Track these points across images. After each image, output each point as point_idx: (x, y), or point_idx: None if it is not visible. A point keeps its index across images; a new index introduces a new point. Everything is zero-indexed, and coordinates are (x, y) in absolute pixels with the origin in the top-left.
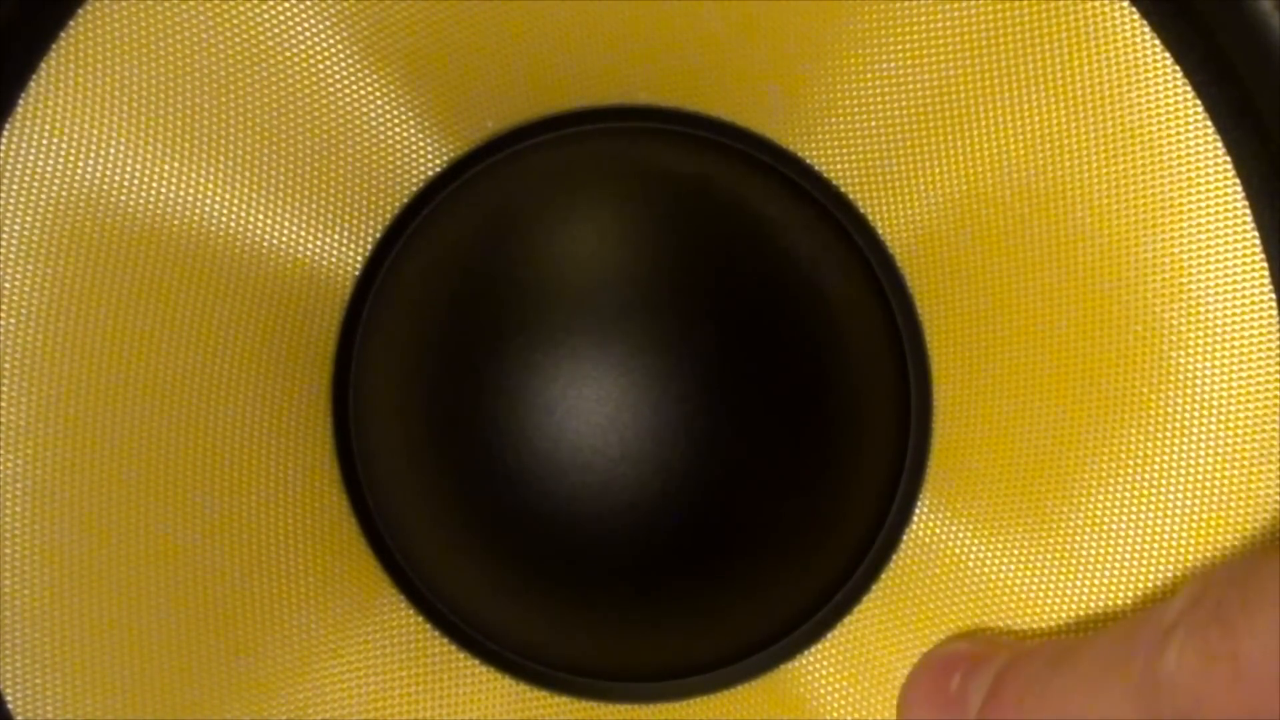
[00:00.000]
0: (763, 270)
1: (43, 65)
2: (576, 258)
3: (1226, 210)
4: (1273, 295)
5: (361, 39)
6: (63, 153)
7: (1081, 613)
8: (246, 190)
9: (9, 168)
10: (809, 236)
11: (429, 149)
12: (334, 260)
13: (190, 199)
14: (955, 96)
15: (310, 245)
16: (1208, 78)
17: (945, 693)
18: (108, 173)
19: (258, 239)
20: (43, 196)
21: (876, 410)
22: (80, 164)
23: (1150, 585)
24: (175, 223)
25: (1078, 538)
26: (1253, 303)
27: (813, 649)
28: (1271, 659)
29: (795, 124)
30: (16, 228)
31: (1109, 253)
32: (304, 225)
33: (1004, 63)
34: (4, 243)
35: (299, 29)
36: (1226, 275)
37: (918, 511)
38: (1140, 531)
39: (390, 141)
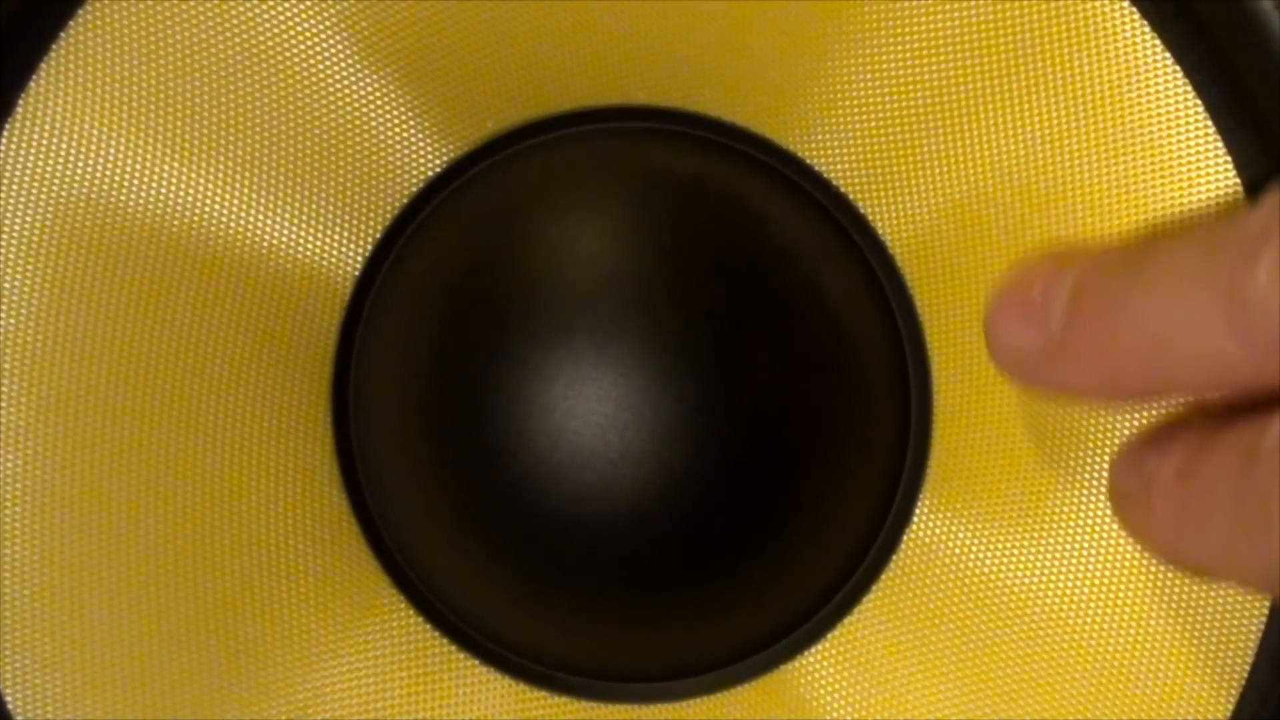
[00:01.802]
0: (763, 270)
1: (43, 65)
2: (576, 258)
3: (1226, 210)
4: None
5: (361, 39)
6: (63, 153)
7: (1083, 613)
8: (246, 190)
9: (9, 168)
10: (809, 236)
11: (429, 149)
12: (334, 260)
13: (190, 199)
14: (955, 96)
15: (310, 245)
16: (1208, 78)
17: (1029, 304)
18: (108, 173)
19: (258, 239)
20: (43, 196)
21: (876, 410)
22: (80, 164)
23: (1151, 585)
24: (175, 223)
25: (1078, 538)
26: None
27: (813, 649)
28: None
29: (795, 124)
30: (16, 228)
31: None
32: (304, 225)
33: (1004, 63)
34: (4, 243)
35: (299, 29)
36: None
37: (918, 511)
38: None
39: (390, 141)
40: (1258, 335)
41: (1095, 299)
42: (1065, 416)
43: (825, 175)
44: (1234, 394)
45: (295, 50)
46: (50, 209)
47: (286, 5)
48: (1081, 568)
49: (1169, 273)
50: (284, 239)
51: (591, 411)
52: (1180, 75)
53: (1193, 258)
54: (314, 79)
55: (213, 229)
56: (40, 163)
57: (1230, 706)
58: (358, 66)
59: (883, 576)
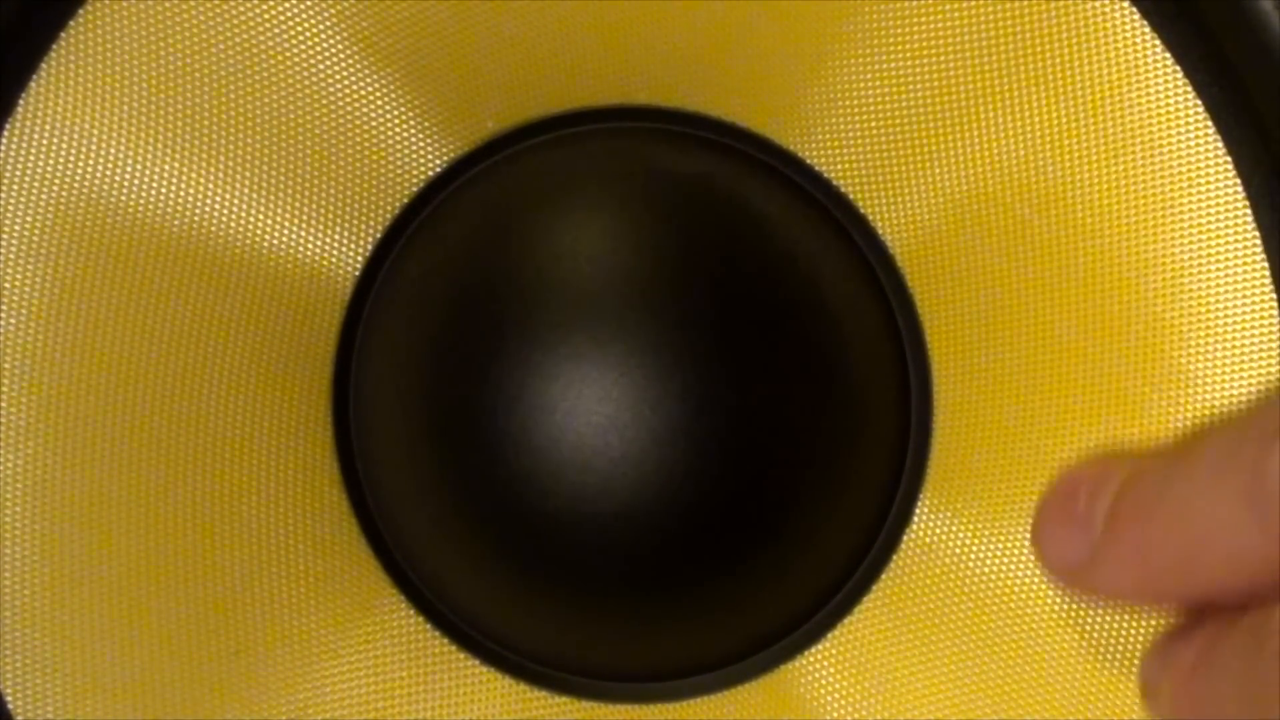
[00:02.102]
0: (763, 270)
1: (43, 65)
2: (576, 258)
3: (1226, 210)
4: (1273, 295)
5: (361, 39)
6: (63, 153)
7: (1083, 613)
8: (246, 190)
9: (9, 168)
10: (809, 236)
11: (429, 149)
12: (334, 260)
13: (190, 199)
14: (955, 96)
15: (310, 245)
16: (1208, 78)
17: (1073, 513)
18: (108, 173)
19: (258, 239)
20: (43, 196)
21: (876, 410)
22: (80, 164)
23: None
24: (175, 223)
25: None
26: (1253, 303)
27: (813, 649)
28: None
29: (795, 124)
30: (16, 228)
31: (1109, 253)
32: (304, 225)
33: (1004, 63)
34: (4, 243)
35: (299, 29)
36: (1226, 275)
37: (918, 511)
38: None
39: (390, 141)
40: (1275, 523)
41: (1133, 503)
42: (1065, 417)
43: (825, 175)
44: (1266, 587)
45: (295, 50)
46: (50, 209)
47: (286, 5)
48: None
49: (1198, 472)
50: (284, 239)
51: (592, 412)
52: (1180, 75)
53: (1219, 456)
54: (314, 79)
55: (213, 229)
56: (40, 163)
57: None
58: (358, 66)
59: (883, 576)
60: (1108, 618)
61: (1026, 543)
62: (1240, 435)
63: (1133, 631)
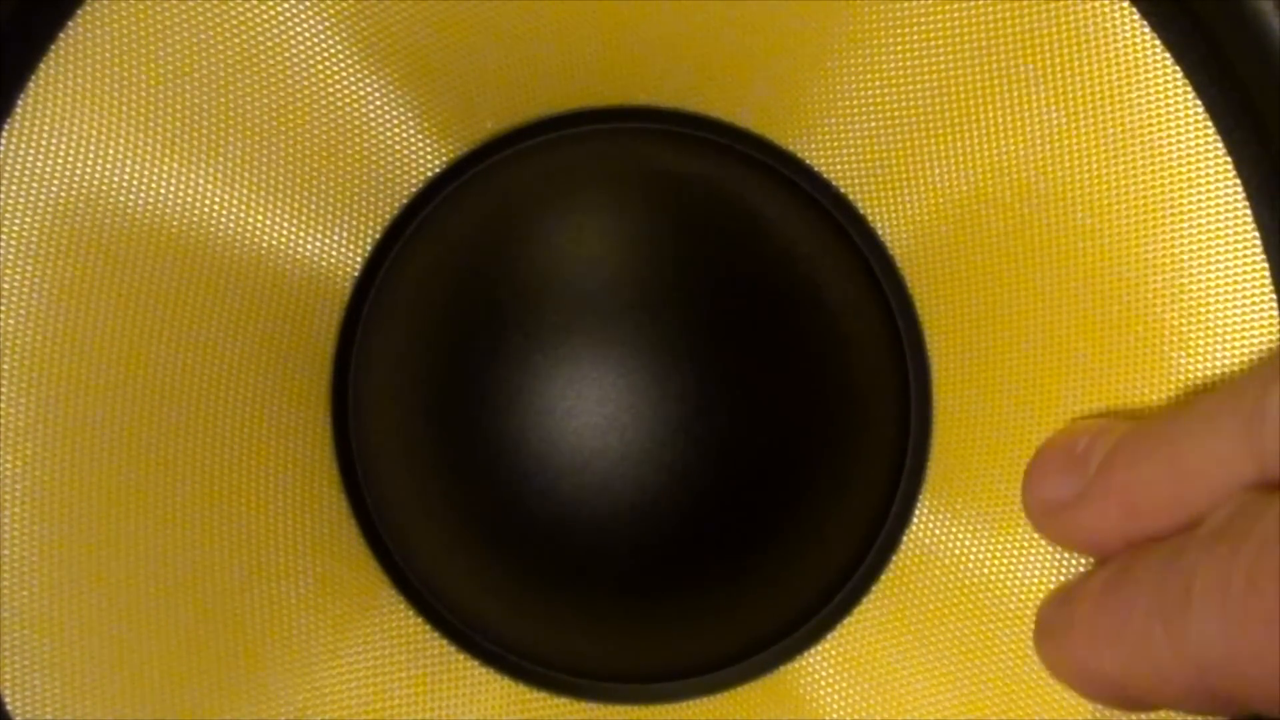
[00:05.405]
0: (762, 271)
1: (42, 65)
2: (576, 258)
3: (1226, 210)
4: (1273, 295)
5: (361, 39)
6: (63, 153)
7: None
8: (246, 190)
9: (9, 168)
10: (809, 237)
11: (429, 149)
12: (334, 260)
13: (190, 199)
14: (955, 96)
15: (310, 245)
16: (1208, 78)
17: (1069, 457)
18: (108, 173)
19: (257, 239)
20: (43, 196)
21: (876, 410)
22: (80, 164)
23: None
24: (175, 223)
25: None
26: (1253, 303)
27: (813, 649)
28: None
29: (795, 124)
30: (16, 228)
31: (1109, 253)
32: (303, 225)
33: (1004, 63)
34: (4, 243)
35: (298, 29)
36: (1226, 275)
37: (918, 511)
38: None
39: (390, 141)
40: (1267, 443)
41: (1130, 448)
42: (1065, 417)
43: (825, 175)
44: None
45: (295, 50)
46: (50, 209)
47: (286, 5)
48: (1080, 568)
49: (1201, 411)
50: (283, 239)
51: (591, 413)
52: (1180, 75)
53: (1218, 401)
54: (314, 79)
55: (212, 229)
56: (40, 163)
57: None
58: (358, 66)
59: (883, 576)
60: None
61: (1027, 543)
62: (1239, 384)
63: None
